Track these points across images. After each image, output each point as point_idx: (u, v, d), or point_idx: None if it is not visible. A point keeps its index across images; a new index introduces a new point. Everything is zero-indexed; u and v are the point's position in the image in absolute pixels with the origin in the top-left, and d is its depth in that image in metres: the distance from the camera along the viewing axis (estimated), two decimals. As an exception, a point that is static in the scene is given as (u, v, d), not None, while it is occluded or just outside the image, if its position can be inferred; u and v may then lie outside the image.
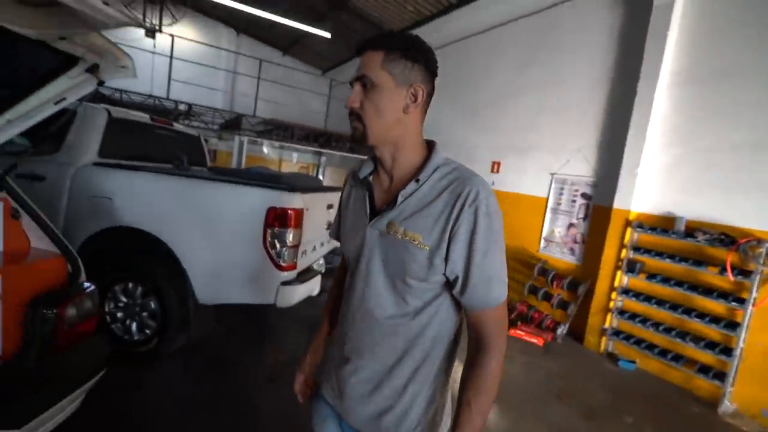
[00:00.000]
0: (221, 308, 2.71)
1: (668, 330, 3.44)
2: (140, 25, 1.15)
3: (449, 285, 0.80)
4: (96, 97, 5.84)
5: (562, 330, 4.09)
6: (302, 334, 3.38)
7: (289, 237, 2.45)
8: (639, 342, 3.63)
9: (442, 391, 0.88)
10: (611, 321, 3.89)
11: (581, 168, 4.40)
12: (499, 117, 5.54)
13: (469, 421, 0.76)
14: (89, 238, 2.53)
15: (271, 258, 2.43)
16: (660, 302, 3.50)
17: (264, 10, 7.03)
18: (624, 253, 3.82)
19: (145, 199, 2.49)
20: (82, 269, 1.61)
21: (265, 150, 11.15)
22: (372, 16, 7.22)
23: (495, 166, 5.53)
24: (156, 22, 5.58)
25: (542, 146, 4.87)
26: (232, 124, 6.97)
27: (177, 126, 3.59)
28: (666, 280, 3.46)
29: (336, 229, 1.06)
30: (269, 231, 2.41)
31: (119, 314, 2.57)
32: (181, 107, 6.57)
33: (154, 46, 6.32)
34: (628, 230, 3.78)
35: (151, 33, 5.60)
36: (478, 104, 5.92)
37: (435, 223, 0.77)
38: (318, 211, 2.89)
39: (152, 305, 2.54)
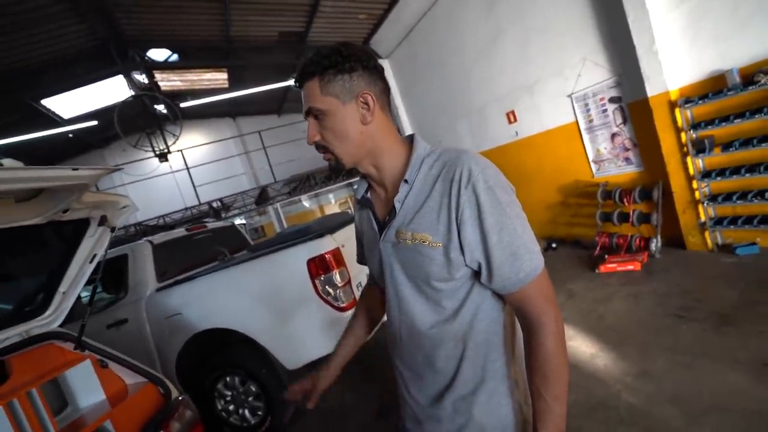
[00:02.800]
0: (311, 365, 2.82)
1: (776, 192, 2.96)
2: (115, 169, 1.29)
3: (477, 275, 0.74)
4: (142, 231, 6.55)
5: (656, 244, 3.69)
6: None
7: (337, 278, 2.51)
8: (749, 220, 3.16)
9: (519, 381, 0.80)
10: (706, 211, 3.44)
11: (596, 75, 4.03)
12: (490, 68, 5.30)
13: (548, 411, 0.68)
14: (179, 353, 2.79)
15: (330, 304, 2.50)
16: (751, 168, 3.03)
17: (244, 88, 7.50)
18: (684, 136, 3.39)
19: (206, 301, 2.71)
20: (172, 386, 1.78)
21: (306, 204, 11.68)
22: (332, 42, 7.36)
23: (511, 116, 5.26)
24: (162, 146, 6.19)
25: (546, 74, 4.56)
26: (262, 197, 7.41)
27: (210, 225, 3.89)
28: (746, 143, 3.01)
29: (360, 254, 1.07)
30: (318, 281, 2.49)
31: (231, 407, 2.78)
32: (215, 205, 7.13)
33: (170, 167, 6.99)
34: (677, 111, 3.36)
35: (163, 157, 6.22)
36: (466, 66, 5.72)
37: (438, 216, 0.72)
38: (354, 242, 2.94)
39: (253, 389, 2.71)
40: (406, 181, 0.76)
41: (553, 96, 4.56)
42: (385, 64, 7.72)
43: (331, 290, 2.50)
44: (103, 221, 1.57)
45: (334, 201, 12.64)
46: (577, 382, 2.29)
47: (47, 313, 1.65)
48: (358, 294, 2.70)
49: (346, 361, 1.12)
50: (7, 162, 1.05)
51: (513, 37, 4.76)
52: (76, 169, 1.19)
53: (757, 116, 2.87)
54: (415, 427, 0.88)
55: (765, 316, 2.34)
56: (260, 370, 2.64)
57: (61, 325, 1.83)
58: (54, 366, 1.66)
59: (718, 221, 3.37)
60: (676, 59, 3.31)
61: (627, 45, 3.51)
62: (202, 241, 3.60)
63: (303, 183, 6.98)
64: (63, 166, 1.17)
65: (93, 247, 1.65)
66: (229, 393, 2.78)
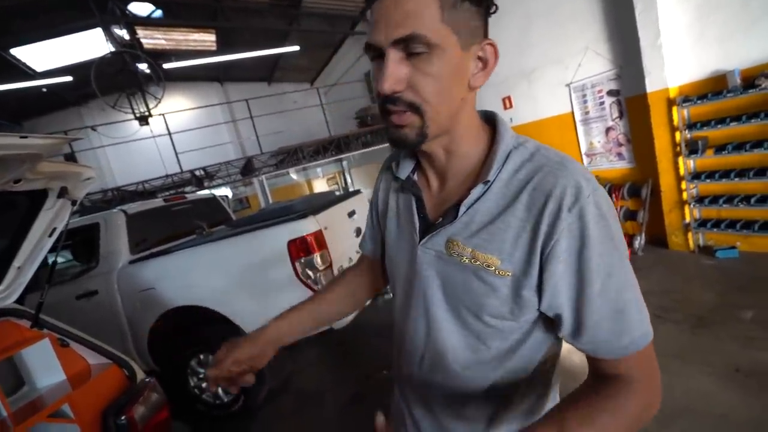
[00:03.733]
0: (289, 348, 2.78)
1: (763, 199, 2.96)
2: (70, 139, 1.15)
3: (548, 321, 0.57)
4: (120, 197, 6.32)
5: (639, 241, 3.72)
6: (380, 343, 3.38)
7: (318, 261, 2.44)
8: (732, 224, 3.18)
9: None
10: (692, 212, 3.45)
11: (596, 66, 3.92)
12: (490, 51, 5.13)
13: None
14: (151, 328, 2.71)
15: (310, 287, 2.43)
16: (741, 173, 3.02)
17: (232, 53, 7.13)
18: (678, 135, 3.35)
19: (181, 277, 2.61)
20: (137, 368, 1.70)
21: (293, 176, 11.44)
22: (328, 10, 7.03)
23: (507, 102, 5.14)
24: (143, 109, 5.88)
25: (546, 61, 4.42)
26: (247, 168, 7.20)
27: (189, 196, 3.73)
28: (739, 146, 2.98)
29: (368, 240, 0.85)
30: (297, 263, 2.41)
31: (204, 384, 2.74)
32: (198, 173, 6.89)
33: (152, 131, 6.69)
34: (674, 109, 3.31)
35: (143, 120, 5.92)
36: (465, 47, 5.53)
37: (517, 238, 0.53)
38: (339, 225, 2.85)
39: (227, 367, 2.66)
40: (487, 181, 0.55)
41: (551, 84, 4.45)
42: (381, 37, 7.42)
43: (311, 273, 2.43)
44: (63, 193, 1.44)
45: (322, 175, 12.42)
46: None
47: (1, 287, 1.53)
48: (339, 278, 2.64)
49: (286, 339, 0.80)
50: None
51: (515, 20, 4.58)
52: (25, 137, 1.06)
53: (753, 120, 2.84)
54: None
55: (740, 320, 2.38)
56: (235, 350, 2.58)
57: (21, 300, 1.72)
58: (8, 344, 1.56)
59: (702, 223, 3.39)
60: (679, 56, 3.23)
61: (631, 36, 3.40)
62: (181, 213, 3.46)
63: (290, 156, 6.78)
64: (10, 133, 1.04)
65: (52, 220, 1.52)
66: (203, 371, 2.72)
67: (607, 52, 3.80)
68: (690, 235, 3.49)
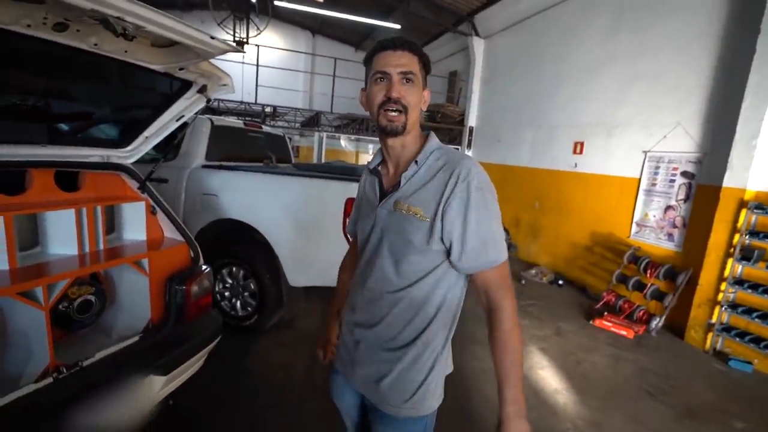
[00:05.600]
0: (309, 290, 3.03)
1: (796, 327, 2.95)
2: (237, 50, 1.38)
3: (447, 255, 0.89)
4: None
5: (657, 323, 3.74)
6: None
7: (365, 225, 2.64)
8: (757, 340, 3.18)
9: (440, 360, 0.96)
10: (720, 315, 3.45)
11: (681, 143, 3.90)
12: (582, 93, 5.13)
13: (509, 375, 0.86)
14: (201, 229, 3.01)
15: (348, 241, 2.65)
16: (785, 295, 3.01)
17: (336, 11, 7.35)
18: (737, 238, 3.34)
19: (243, 195, 2.88)
20: (201, 254, 1.97)
21: (342, 143, 11.73)
22: (441, 1, 7.11)
23: (578, 147, 5.15)
24: (244, 35, 6.19)
25: (633, 122, 4.41)
26: (312, 121, 7.48)
27: (265, 128, 4.01)
28: (793, 269, 2.96)
29: (353, 220, 1.19)
30: (348, 219, 2.63)
31: (226, 293, 3.03)
32: (267, 110, 7.22)
33: (243, 57, 7.04)
34: (743, 212, 3.29)
35: (240, 45, 6.25)
36: (558, 81, 5.54)
37: (433, 197, 0.87)
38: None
39: (252, 286, 2.94)
40: (416, 162, 0.92)
41: (628, 145, 4.44)
42: (480, 43, 7.46)
43: (355, 233, 2.64)
44: (202, 90, 1.69)
45: (371, 152, 12.63)
46: (533, 404, 2.46)
47: (128, 148, 1.81)
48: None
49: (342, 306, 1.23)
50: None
51: (620, 71, 4.57)
52: (213, 38, 1.29)
53: (818, 250, 2.81)
54: (347, 370, 1.05)
55: (730, 428, 2.44)
56: (265, 274, 2.84)
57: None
58: (116, 195, 1.85)
59: (727, 329, 3.38)
60: (766, 162, 3.20)
61: (728, 128, 3.37)
62: (254, 140, 3.75)
63: (354, 123, 7.00)
64: (204, 31, 1.27)
65: (185, 108, 1.78)
66: (230, 281, 3.01)
67: (697, 133, 3.77)
68: (711, 335, 3.49)
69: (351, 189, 2.62)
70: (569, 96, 5.34)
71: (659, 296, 3.89)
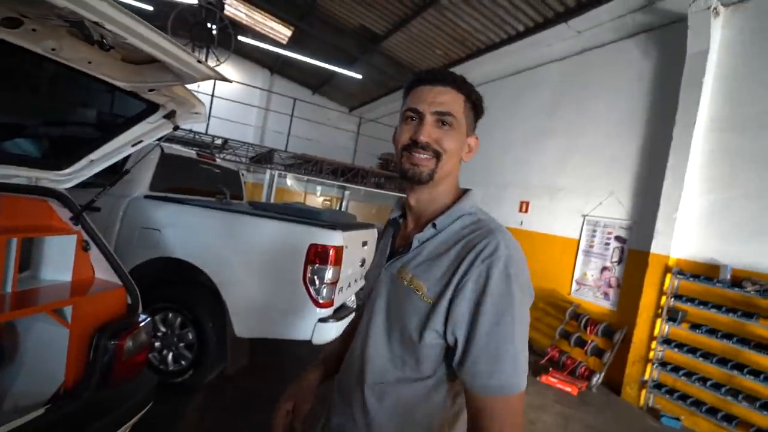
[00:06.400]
0: (256, 343, 2.72)
1: (717, 386, 3.21)
2: (223, 78, 1.26)
3: (448, 356, 0.68)
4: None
5: (597, 379, 3.89)
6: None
7: (329, 274, 2.48)
8: (684, 397, 3.41)
9: None
10: (652, 372, 3.68)
11: (615, 211, 4.34)
12: (529, 157, 5.59)
13: None
14: (135, 267, 2.62)
15: (310, 294, 2.45)
16: (706, 355, 3.30)
17: (299, 53, 7.49)
18: (664, 300, 3.67)
19: (192, 232, 2.59)
20: (140, 301, 1.67)
21: (289, 182, 11.46)
22: (401, 58, 7.58)
23: (524, 206, 5.51)
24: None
25: (573, 187, 4.85)
26: (264, 158, 7.25)
27: (219, 161, 3.77)
28: (712, 331, 3.29)
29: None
30: (309, 267, 2.45)
31: (157, 344, 2.60)
32: (218, 141, 6.89)
33: (198, 85, 6.76)
34: (668, 276, 3.65)
35: (197, 74, 6.01)
36: (508, 143, 6.00)
37: (442, 276, 0.67)
38: (354, 249, 2.92)
39: (190, 336, 2.57)
40: (434, 225, 0.73)
41: (569, 208, 4.84)
42: (434, 102, 7.96)
43: (317, 282, 2.46)
44: (170, 115, 1.51)
45: (319, 194, 12.49)
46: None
47: (66, 171, 1.53)
48: (337, 298, 2.67)
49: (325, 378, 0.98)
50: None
51: (562, 142, 5.08)
52: (200, 62, 1.16)
53: (731, 315, 3.17)
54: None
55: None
56: (208, 322, 2.51)
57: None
58: (38, 225, 1.53)
59: (658, 386, 3.60)
60: (687, 233, 3.63)
61: (653, 201, 3.83)
62: (206, 173, 3.47)
63: (308, 164, 6.90)
64: (190, 52, 1.14)
65: (145, 132, 1.57)
66: (163, 330, 2.61)
67: (628, 203, 4.23)
68: (644, 392, 3.69)
69: (316, 234, 2.47)
70: (517, 158, 5.79)
71: (598, 353, 4.09)
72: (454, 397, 0.72)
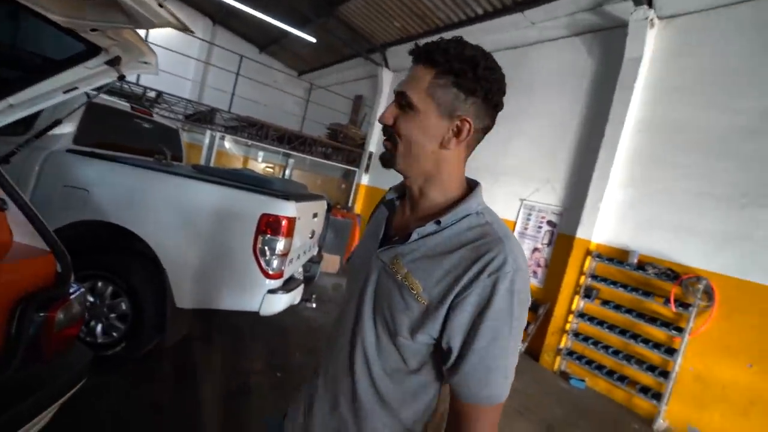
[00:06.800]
0: (199, 313, 2.60)
1: (616, 353, 3.76)
2: (185, 29, 1.13)
3: (437, 353, 0.68)
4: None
5: (521, 348, 4.33)
6: (279, 343, 3.30)
7: (280, 245, 2.42)
8: (590, 362, 3.94)
9: None
10: (566, 342, 4.18)
11: (549, 197, 4.72)
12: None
13: None
14: (56, 230, 2.32)
15: (260, 265, 2.38)
16: (611, 327, 3.82)
17: (248, 5, 6.87)
18: (582, 279, 4.13)
19: (129, 195, 2.35)
20: (71, 269, 1.50)
21: (227, 145, 10.72)
22: (358, 26, 7.30)
23: (467, 187, 5.76)
24: (134, 2, 5.24)
25: (514, 172, 5.17)
26: (205, 117, 6.68)
27: (157, 117, 3.41)
28: (618, 306, 3.80)
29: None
30: (260, 238, 2.36)
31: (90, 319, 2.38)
32: (150, 94, 6.19)
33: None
34: (588, 259, 4.11)
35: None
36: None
37: (443, 278, 0.64)
38: (306, 220, 2.87)
39: (123, 307, 2.38)
40: (438, 222, 0.68)
41: (508, 192, 5.17)
42: (388, 75, 7.87)
43: (268, 253, 2.40)
44: (114, 62, 1.32)
45: (260, 160, 11.88)
46: None
47: (-24, 116, 1.28)
48: (287, 270, 2.62)
49: None
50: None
51: (506, 127, 5.31)
52: (161, 5, 1.03)
53: (633, 293, 3.68)
54: (298, 422, 0.83)
55: (577, 439, 2.93)
56: (145, 292, 2.34)
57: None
58: (-60, 177, 1.28)
59: (570, 353, 4.12)
60: (607, 221, 4.09)
61: (583, 190, 4.22)
62: (141, 129, 3.13)
63: (251, 127, 6.50)
64: (148, -6, 1.01)
65: (81, 79, 1.36)
66: (91, 300, 2.38)
67: (561, 191, 4.62)
68: (558, 358, 4.20)
69: (268, 204, 2.38)
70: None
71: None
72: (438, 393, 0.74)
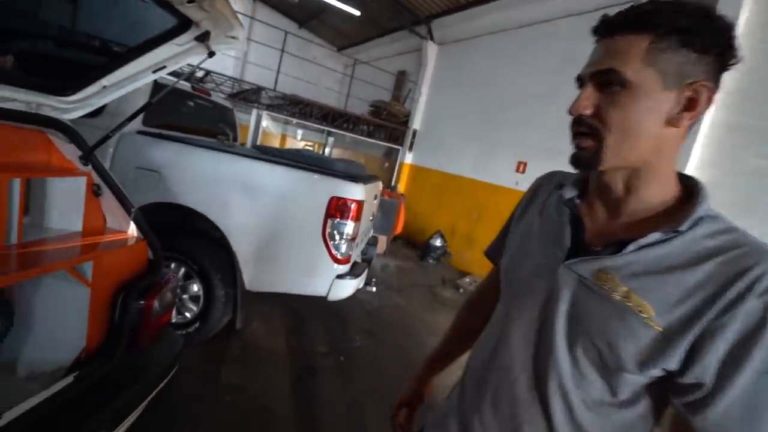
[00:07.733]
0: (268, 297, 2.60)
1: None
2: None
3: (657, 384, 0.56)
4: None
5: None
6: (336, 326, 3.29)
7: (349, 229, 2.35)
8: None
9: None
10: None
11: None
12: (530, 116, 5.43)
13: None
14: (131, 211, 2.35)
15: (328, 249, 2.33)
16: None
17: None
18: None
19: (197, 176, 2.33)
20: (163, 255, 1.48)
21: (264, 123, 10.79)
22: (404, -2, 6.94)
23: (521, 167, 5.46)
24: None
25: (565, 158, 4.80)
26: (251, 96, 6.67)
27: (214, 97, 3.37)
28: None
29: (497, 247, 0.84)
30: (329, 222, 2.30)
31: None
32: (199, 74, 6.22)
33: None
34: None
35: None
36: (507, 101, 5.79)
37: (684, 298, 0.52)
38: (368, 203, 2.78)
39: (195, 288, 2.41)
40: (677, 231, 0.54)
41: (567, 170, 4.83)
42: (434, 48, 7.49)
43: (337, 237, 2.33)
44: (203, 37, 1.22)
45: (300, 138, 11.89)
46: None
47: (73, 97, 1.23)
48: (354, 254, 2.56)
49: (443, 367, 0.94)
50: None
51: (563, 103, 4.93)
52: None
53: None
54: None
55: None
56: (216, 274, 2.34)
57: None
58: (38, 162, 1.26)
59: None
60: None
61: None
62: (200, 109, 3.10)
63: (295, 106, 6.43)
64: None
65: (170, 57, 1.28)
66: (165, 280, 2.42)
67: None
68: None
69: (337, 187, 2.30)
70: (516, 117, 5.63)
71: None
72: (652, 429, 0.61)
